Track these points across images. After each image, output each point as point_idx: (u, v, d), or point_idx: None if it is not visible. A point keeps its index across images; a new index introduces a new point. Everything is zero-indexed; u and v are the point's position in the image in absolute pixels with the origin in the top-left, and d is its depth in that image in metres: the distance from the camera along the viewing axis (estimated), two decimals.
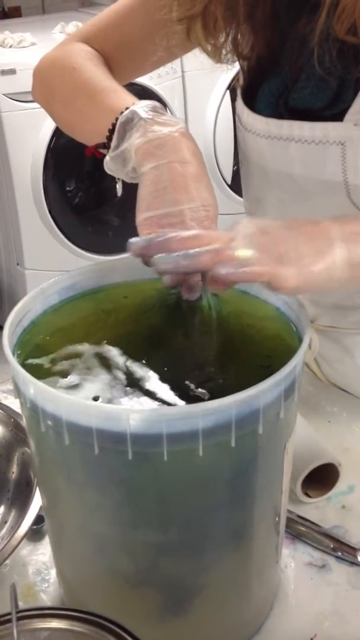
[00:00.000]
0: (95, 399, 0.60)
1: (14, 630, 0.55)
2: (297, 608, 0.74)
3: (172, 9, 0.82)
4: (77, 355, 0.66)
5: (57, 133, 2.20)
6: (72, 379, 0.63)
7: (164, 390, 0.62)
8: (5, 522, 0.80)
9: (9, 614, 0.56)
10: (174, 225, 0.70)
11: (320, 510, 0.84)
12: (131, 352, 0.67)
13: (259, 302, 0.71)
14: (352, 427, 0.96)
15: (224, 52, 0.85)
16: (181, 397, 0.60)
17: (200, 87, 2.50)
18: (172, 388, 0.62)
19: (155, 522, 0.62)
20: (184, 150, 0.72)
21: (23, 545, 0.79)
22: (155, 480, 0.59)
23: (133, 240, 0.62)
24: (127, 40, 0.93)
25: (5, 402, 0.90)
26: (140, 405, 0.60)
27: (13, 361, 0.60)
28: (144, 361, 0.66)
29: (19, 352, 0.65)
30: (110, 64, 0.95)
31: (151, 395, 0.61)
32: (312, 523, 0.81)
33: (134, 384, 0.62)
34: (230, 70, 0.90)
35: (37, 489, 0.76)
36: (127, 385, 0.62)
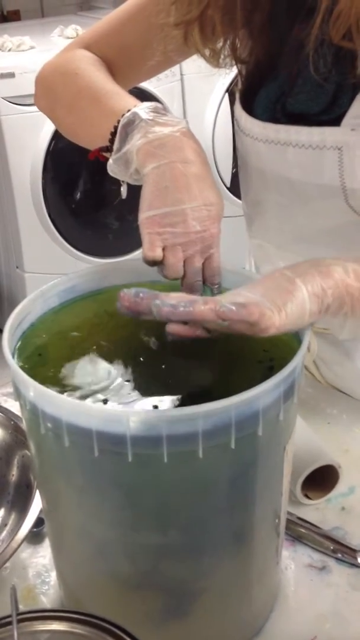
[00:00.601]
0: (105, 401, 0.60)
1: (15, 633, 0.55)
2: (297, 610, 0.74)
3: (170, 13, 0.82)
4: (77, 358, 0.66)
5: (56, 136, 2.20)
6: (71, 381, 0.63)
7: (163, 392, 0.62)
8: (6, 525, 0.80)
9: (9, 616, 0.56)
10: (175, 225, 0.70)
11: (320, 511, 0.84)
12: (131, 354, 0.67)
13: None
14: (352, 429, 0.96)
15: (222, 56, 0.85)
16: (181, 399, 0.60)
17: (199, 90, 2.50)
18: (172, 390, 0.62)
19: (155, 524, 0.62)
20: (185, 150, 0.72)
21: (23, 548, 0.79)
22: (155, 482, 0.59)
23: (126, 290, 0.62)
24: (127, 46, 0.94)
25: (5, 404, 0.90)
26: (140, 407, 0.60)
27: (13, 364, 0.60)
28: (143, 363, 0.66)
29: (18, 355, 0.65)
30: (112, 69, 0.95)
31: (151, 397, 0.62)
32: (312, 525, 0.81)
33: (134, 386, 0.62)
34: (229, 73, 0.90)
35: (37, 491, 0.76)
36: (126, 387, 0.62)
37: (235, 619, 0.70)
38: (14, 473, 0.83)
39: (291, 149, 0.84)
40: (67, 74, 0.93)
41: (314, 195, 0.85)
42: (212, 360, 0.67)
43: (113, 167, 0.77)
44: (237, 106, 0.91)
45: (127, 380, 0.63)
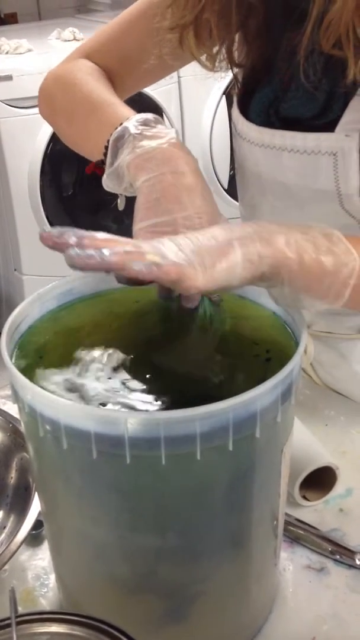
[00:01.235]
0: (103, 404, 0.61)
1: (14, 635, 0.55)
2: (295, 611, 0.74)
3: (165, 17, 0.82)
4: (75, 360, 0.66)
5: (54, 139, 2.20)
6: (70, 383, 0.63)
7: (161, 394, 0.62)
8: (4, 527, 0.80)
9: (8, 618, 0.56)
10: (166, 233, 0.70)
11: (318, 513, 0.84)
12: (129, 357, 0.67)
13: (256, 306, 0.72)
14: (350, 431, 0.96)
15: (217, 60, 0.86)
16: (179, 400, 0.60)
17: (196, 93, 2.51)
18: (170, 392, 0.62)
19: (153, 526, 0.62)
20: (174, 161, 0.72)
21: (22, 551, 0.79)
22: (153, 484, 0.59)
23: (47, 229, 0.61)
24: (127, 53, 0.94)
25: (3, 407, 0.91)
26: (138, 409, 0.60)
27: (11, 366, 0.60)
28: (141, 366, 0.66)
29: (17, 357, 0.65)
30: (113, 78, 0.95)
31: (149, 399, 0.62)
32: (310, 526, 0.81)
33: (132, 388, 0.62)
34: (224, 77, 0.90)
35: (36, 494, 0.76)
36: (125, 390, 0.62)
37: (234, 621, 0.70)
38: (13, 476, 0.83)
39: (286, 153, 0.84)
40: (66, 85, 0.93)
41: (309, 200, 0.85)
42: (211, 361, 0.67)
43: (107, 182, 0.78)
44: (235, 109, 0.92)
45: (126, 382, 0.63)
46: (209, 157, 2.57)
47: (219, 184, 2.58)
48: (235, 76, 0.90)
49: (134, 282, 0.59)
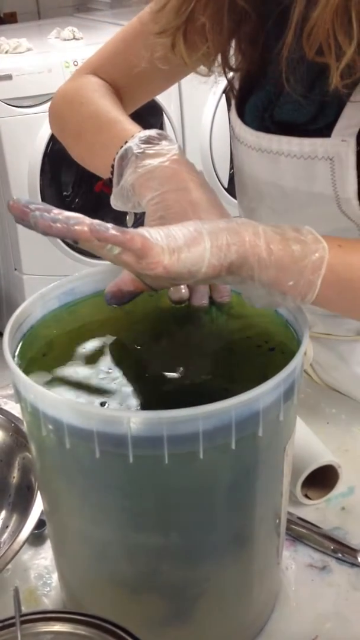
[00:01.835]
0: (101, 404, 0.61)
1: (18, 634, 0.55)
2: (298, 610, 0.74)
3: (156, 22, 0.83)
4: (78, 360, 0.66)
5: (54, 138, 2.20)
6: (72, 383, 0.63)
7: (164, 393, 0.62)
8: (7, 527, 0.80)
9: (12, 617, 0.56)
10: None
11: (320, 512, 0.84)
12: (131, 356, 0.67)
13: None
14: (351, 429, 0.96)
15: (214, 65, 0.86)
16: (182, 399, 0.60)
17: (196, 92, 2.50)
18: (173, 391, 0.62)
19: (156, 525, 0.62)
20: (176, 178, 0.72)
21: (25, 550, 0.79)
22: (156, 483, 0.59)
23: (15, 198, 0.61)
24: (133, 67, 0.94)
25: (5, 407, 0.91)
26: (141, 408, 0.60)
27: (14, 366, 0.60)
28: (144, 365, 0.66)
29: (19, 357, 0.66)
30: (120, 91, 0.96)
31: (152, 398, 0.62)
32: (313, 525, 0.81)
33: (135, 387, 0.63)
34: (223, 79, 0.90)
35: (38, 493, 0.76)
36: (128, 389, 0.62)
37: (237, 620, 0.70)
38: (15, 475, 0.83)
39: (283, 158, 0.84)
40: (73, 103, 0.94)
41: (307, 203, 0.85)
42: (214, 359, 0.67)
43: (114, 201, 0.78)
44: (233, 113, 0.92)
45: (128, 381, 0.63)
46: (208, 155, 2.57)
47: (219, 183, 2.58)
48: (230, 81, 0.90)
49: (122, 302, 0.62)
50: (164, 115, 2.46)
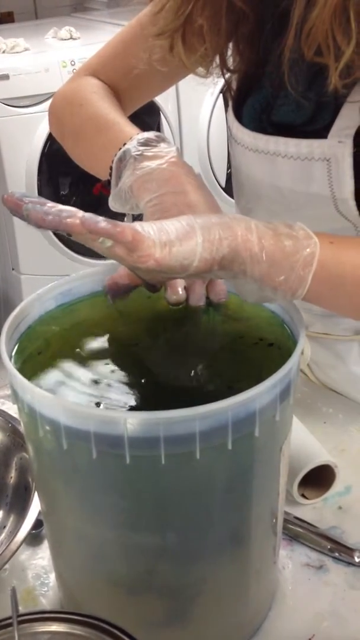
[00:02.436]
0: (98, 404, 0.61)
1: (15, 634, 0.55)
2: (295, 609, 0.74)
3: (155, 24, 0.83)
4: (75, 360, 0.66)
5: (51, 138, 2.20)
6: (69, 383, 0.63)
7: (161, 394, 0.62)
8: (4, 527, 0.80)
9: (9, 618, 0.56)
10: None
11: (317, 511, 0.85)
12: (128, 357, 0.67)
13: (255, 307, 0.72)
14: (348, 428, 0.96)
15: (211, 66, 0.86)
16: (178, 400, 0.60)
17: (193, 92, 2.50)
18: (170, 391, 0.63)
19: (153, 525, 0.62)
20: (173, 181, 0.72)
21: (22, 550, 0.79)
22: (153, 483, 0.59)
23: (10, 191, 0.61)
24: (132, 68, 0.94)
25: (2, 407, 0.91)
26: (138, 409, 0.60)
27: (11, 367, 0.60)
28: (141, 365, 0.66)
29: (16, 358, 0.66)
30: (119, 93, 0.96)
31: (148, 398, 0.62)
32: (309, 524, 0.82)
33: (132, 388, 0.63)
34: (221, 79, 0.90)
35: (36, 493, 0.76)
36: (124, 389, 0.62)
37: (234, 619, 0.70)
38: (13, 475, 0.83)
39: (280, 159, 0.84)
40: (72, 105, 0.94)
41: (305, 204, 0.86)
42: (212, 353, 0.68)
43: (112, 203, 0.78)
44: (230, 114, 0.92)
45: (125, 382, 0.63)
46: (206, 155, 2.57)
47: (216, 183, 2.58)
48: (228, 83, 0.91)
49: (119, 295, 0.63)
50: (162, 115, 2.46)
